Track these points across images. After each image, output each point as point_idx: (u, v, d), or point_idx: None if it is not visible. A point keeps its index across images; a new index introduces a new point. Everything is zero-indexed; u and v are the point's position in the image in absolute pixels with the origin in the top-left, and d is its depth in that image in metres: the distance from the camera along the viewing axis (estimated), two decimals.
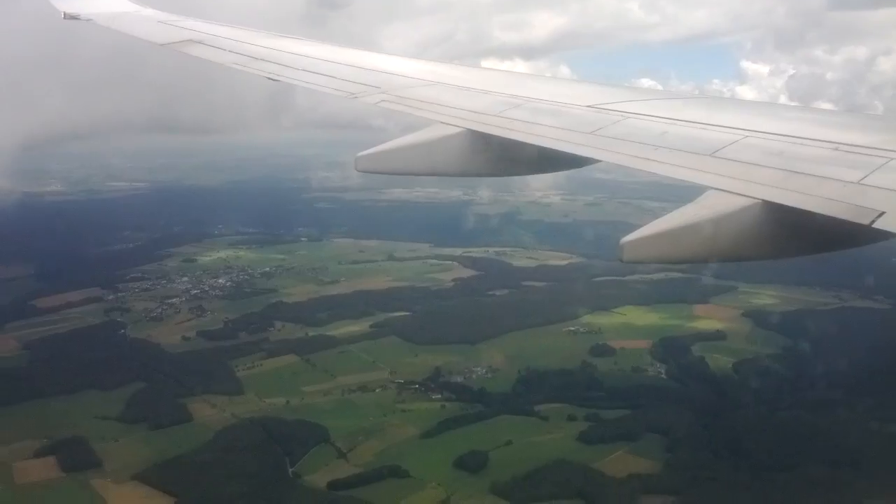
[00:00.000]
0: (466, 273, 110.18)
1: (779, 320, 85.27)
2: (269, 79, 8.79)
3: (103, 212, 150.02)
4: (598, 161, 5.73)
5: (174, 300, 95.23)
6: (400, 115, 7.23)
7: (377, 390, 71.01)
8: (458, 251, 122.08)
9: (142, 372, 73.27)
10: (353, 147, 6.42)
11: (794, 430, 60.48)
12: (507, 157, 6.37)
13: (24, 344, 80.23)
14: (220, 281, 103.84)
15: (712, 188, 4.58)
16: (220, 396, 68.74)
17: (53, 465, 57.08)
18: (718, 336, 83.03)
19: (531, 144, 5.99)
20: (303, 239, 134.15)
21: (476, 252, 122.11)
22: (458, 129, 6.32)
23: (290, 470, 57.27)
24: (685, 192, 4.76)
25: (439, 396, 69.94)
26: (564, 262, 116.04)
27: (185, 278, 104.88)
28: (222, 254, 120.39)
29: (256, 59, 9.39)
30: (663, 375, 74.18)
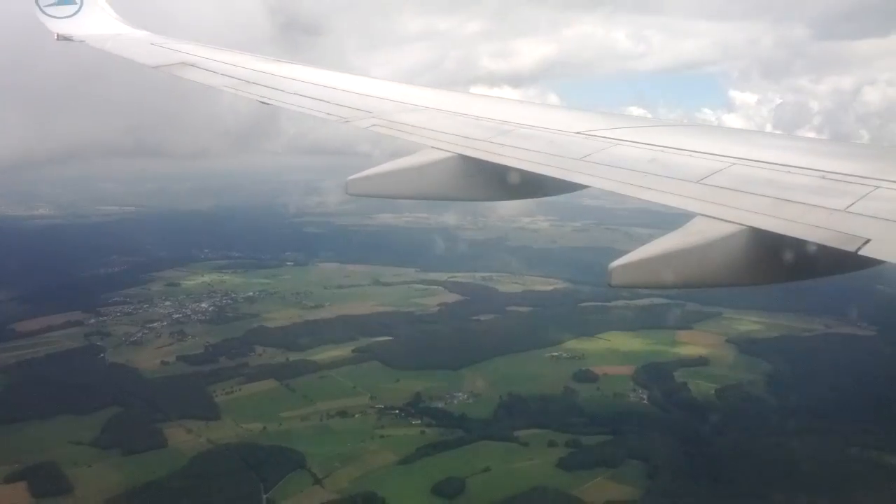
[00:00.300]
0: (452, 298, 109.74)
1: (762, 346, 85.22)
2: (262, 102, 8.87)
3: (90, 235, 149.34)
4: (587, 187, 5.79)
5: (155, 324, 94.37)
6: (387, 141, 7.28)
7: (356, 416, 70.22)
8: (444, 276, 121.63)
9: (118, 397, 72.21)
10: (342, 172, 6.44)
11: (775, 457, 59.97)
12: (497, 182, 6.40)
13: (1, 368, 79.12)
14: (203, 305, 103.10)
15: (700, 214, 4.62)
16: (197, 422, 67.74)
17: (24, 490, 55.89)
18: (701, 362, 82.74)
19: (521, 169, 6.06)
20: (289, 263, 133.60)
21: (462, 277, 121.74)
22: (448, 154, 6.37)
23: (265, 497, 56.25)
24: (673, 219, 4.79)
25: (419, 422, 69.16)
26: (550, 288, 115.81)
27: (168, 302, 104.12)
28: (206, 278, 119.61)
29: (248, 82, 9.48)
30: (645, 401, 73.69)
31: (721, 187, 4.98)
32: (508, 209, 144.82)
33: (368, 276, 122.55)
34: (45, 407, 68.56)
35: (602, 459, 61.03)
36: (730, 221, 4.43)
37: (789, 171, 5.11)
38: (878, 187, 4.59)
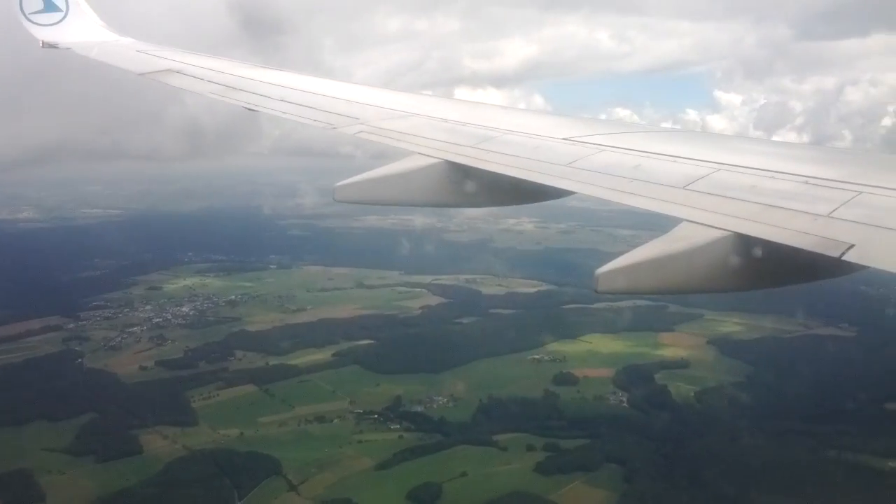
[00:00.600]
0: (435, 301, 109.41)
1: (743, 348, 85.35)
2: (247, 109, 8.92)
3: (74, 238, 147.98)
4: (573, 193, 5.81)
5: (135, 329, 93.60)
6: (370, 144, 7.29)
7: (335, 421, 69.83)
8: (428, 279, 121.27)
9: (95, 403, 71.48)
10: (328, 173, 6.29)
11: (753, 459, 59.97)
12: (484, 189, 6.42)
13: None
14: (184, 309, 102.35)
15: (686, 220, 4.64)
16: (173, 428, 67.13)
17: None
18: (682, 364, 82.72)
19: (507, 176, 6.06)
20: (272, 266, 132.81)
21: (446, 279, 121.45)
22: (435, 160, 6.38)
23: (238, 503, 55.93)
24: (657, 221, 4.86)
25: (398, 427, 68.87)
26: (534, 290, 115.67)
27: (149, 306, 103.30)
28: (188, 281, 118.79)
29: (234, 88, 9.60)
30: (625, 404, 73.62)
31: (706, 193, 5.03)
32: (493, 211, 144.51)
33: (352, 280, 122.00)
34: (19, 413, 67.89)
35: (580, 463, 60.83)
36: (715, 227, 4.46)
37: (773, 177, 5.15)
38: (860, 192, 4.63)
